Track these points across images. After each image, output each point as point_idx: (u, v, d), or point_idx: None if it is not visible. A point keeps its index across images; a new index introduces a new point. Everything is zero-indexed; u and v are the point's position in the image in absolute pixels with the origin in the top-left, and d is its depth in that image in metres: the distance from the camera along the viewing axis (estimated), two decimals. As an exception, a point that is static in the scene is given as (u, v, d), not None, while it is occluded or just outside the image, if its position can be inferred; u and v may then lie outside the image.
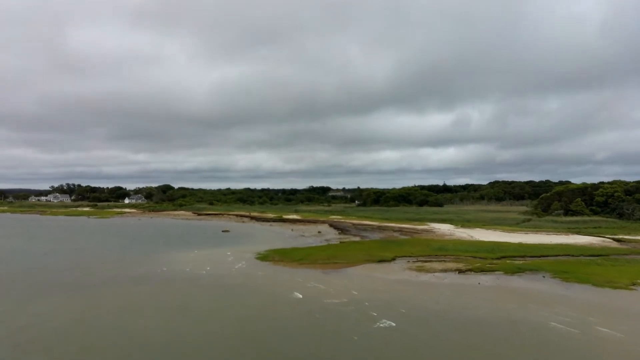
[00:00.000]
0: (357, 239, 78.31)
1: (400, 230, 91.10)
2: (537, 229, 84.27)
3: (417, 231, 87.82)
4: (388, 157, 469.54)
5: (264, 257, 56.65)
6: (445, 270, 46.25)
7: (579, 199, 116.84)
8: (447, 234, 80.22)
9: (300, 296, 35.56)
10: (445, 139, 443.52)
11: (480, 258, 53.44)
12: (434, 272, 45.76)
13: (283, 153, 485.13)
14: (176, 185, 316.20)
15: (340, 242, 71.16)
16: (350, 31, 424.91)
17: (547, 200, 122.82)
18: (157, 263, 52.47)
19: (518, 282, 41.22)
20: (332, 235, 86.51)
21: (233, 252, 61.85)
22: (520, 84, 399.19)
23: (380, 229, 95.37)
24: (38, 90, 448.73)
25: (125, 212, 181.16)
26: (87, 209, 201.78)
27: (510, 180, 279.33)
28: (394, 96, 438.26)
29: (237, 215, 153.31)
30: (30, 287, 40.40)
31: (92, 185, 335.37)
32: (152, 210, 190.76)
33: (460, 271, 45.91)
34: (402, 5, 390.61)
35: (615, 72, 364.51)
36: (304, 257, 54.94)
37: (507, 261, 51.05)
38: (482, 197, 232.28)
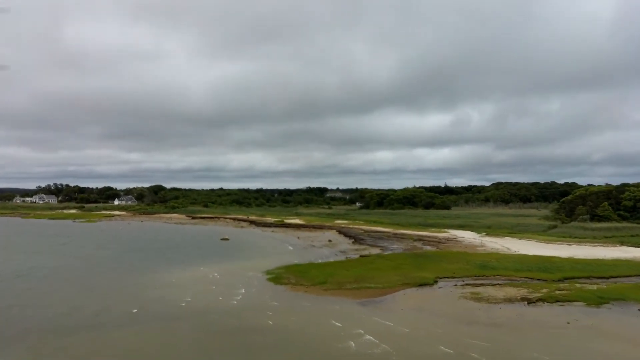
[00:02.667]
0: (377, 250, 68.87)
1: (420, 239, 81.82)
2: (579, 239, 75.28)
3: (440, 240, 78.61)
4: (383, 157, 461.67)
5: (278, 277, 47.01)
6: (509, 300, 36.96)
7: (605, 203, 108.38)
8: (478, 245, 71.07)
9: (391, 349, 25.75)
10: (443, 139, 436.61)
11: (540, 280, 44.36)
12: (497, 302, 36.47)
13: (278, 153, 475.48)
14: (168, 185, 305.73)
15: (361, 257, 61.69)
16: (358, 28, 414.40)
17: (570, 204, 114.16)
18: (171, 289, 42.05)
19: (614, 318, 32.03)
20: (346, 246, 77.02)
21: (244, 269, 52.12)
22: (524, 83, 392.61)
23: (397, 237, 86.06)
24: (31, 86, 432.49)
25: (114, 215, 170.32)
26: (73, 211, 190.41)
27: (504, 180, 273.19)
28: (396, 96, 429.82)
29: (234, 219, 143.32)
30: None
31: (84, 185, 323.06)
32: (143, 213, 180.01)
33: (529, 301, 36.64)
34: (414, 0, 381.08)
35: (621, 72, 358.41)
36: (326, 278, 45.37)
37: (577, 285, 41.91)
38: (486, 199, 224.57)
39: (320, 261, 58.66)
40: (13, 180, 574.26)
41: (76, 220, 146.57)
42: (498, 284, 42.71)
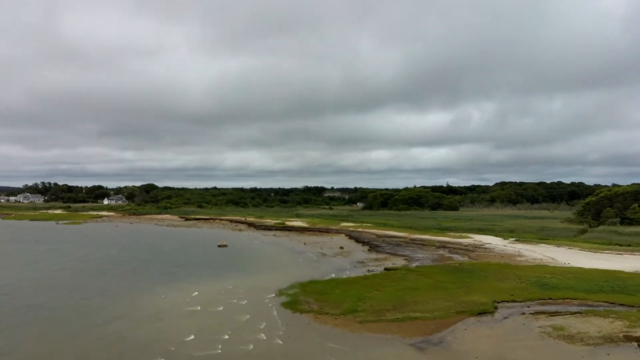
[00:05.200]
0: (400, 261, 59.70)
1: (443, 245, 72.79)
2: (629, 247, 66.42)
3: (467, 248, 69.56)
4: (379, 156, 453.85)
5: (295, 301, 37.67)
6: (610, 339, 27.84)
7: (635, 204, 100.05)
8: (514, 254, 62.07)
9: None
10: (441, 139, 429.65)
11: (625, 306, 35.38)
12: (595, 343, 27.36)
13: (274, 152, 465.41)
14: (161, 184, 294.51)
15: (386, 270, 52.47)
16: (367, 22, 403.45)
17: (596, 206, 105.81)
18: (189, 322, 32.38)
19: None
20: (362, 254, 67.76)
21: (254, 289, 42.67)
22: (530, 82, 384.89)
23: (416, 243, 76.94)
24: (26, 82, 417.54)
25: (102, 216, 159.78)
26: (58, 211, 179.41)
27: (497, 180, 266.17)
28: (399, 93, 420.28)
29: (231, 221, 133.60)
30: None
31: (76, 184, 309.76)
32: (133, 214, 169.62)
33: (638, 342, 27.55)
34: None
35: (628, 70, 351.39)
36: (355, 303, 36.10)
37: (679, 314, 32.91)
38: (492, 200, 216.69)
39: (339, 276, 49.37)
40: (3, 179, 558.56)
41: (60, 222, 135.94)
42: (578, 313, 33.66)
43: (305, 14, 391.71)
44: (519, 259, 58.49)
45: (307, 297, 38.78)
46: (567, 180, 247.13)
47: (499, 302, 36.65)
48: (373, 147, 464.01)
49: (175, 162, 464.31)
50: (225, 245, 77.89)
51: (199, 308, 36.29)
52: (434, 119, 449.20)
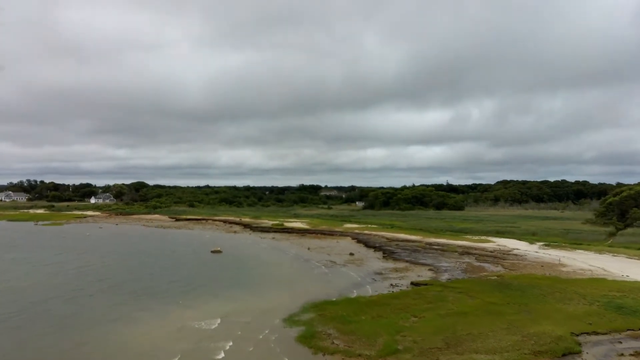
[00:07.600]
0: (425, 272, 51.16)
1: (466, 252, 64.42)
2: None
3: (494, 254, 61.22)
4: (375, 154, 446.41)
5: (311, 334, 28.91)
6: None
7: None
8: (554, 263, 53.74)
9: None
10: (439, 137, 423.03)
11: None
12: None
13: (269, 150, 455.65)
14: (153, 182, 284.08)
15: (414, 285, 43.85)
16: (375, 17, 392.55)
17: (620, 206, 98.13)
18: None
19: None
20: (377, 262, 59.12)
21: (258, 314, 33.85)
22: (533, 79, 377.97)
23: (434, 248, 68.47)
24: (19, 77, 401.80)
25: (86, 216, 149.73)
26: (40, 210, 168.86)
27: (493, 179, 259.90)
28: (400, 91, 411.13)
29: (224, 222, 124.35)
30: None
31: (68, 182, 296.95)
32: (120, 213, 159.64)
33: None
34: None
35: (634, 68, 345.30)
36: (393, 338, 27.43)
37: None
38: (496, 199, 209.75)
39: (358, 294, 40.68)
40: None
41: (39, 222, 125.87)
42: (695, 354, 25.24)
43: (311, 10, 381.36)
44: (563, 269, 50.15)
45: (327, 327, 30.04)
46: (561, 178, 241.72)
47: (577, 335, 28.19)
48: (369, 145, 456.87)
49: (169, 160, 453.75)
50: (219, 251, 68.84)
51: (229, 346, 27.53)
52: (433, 117, 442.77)
